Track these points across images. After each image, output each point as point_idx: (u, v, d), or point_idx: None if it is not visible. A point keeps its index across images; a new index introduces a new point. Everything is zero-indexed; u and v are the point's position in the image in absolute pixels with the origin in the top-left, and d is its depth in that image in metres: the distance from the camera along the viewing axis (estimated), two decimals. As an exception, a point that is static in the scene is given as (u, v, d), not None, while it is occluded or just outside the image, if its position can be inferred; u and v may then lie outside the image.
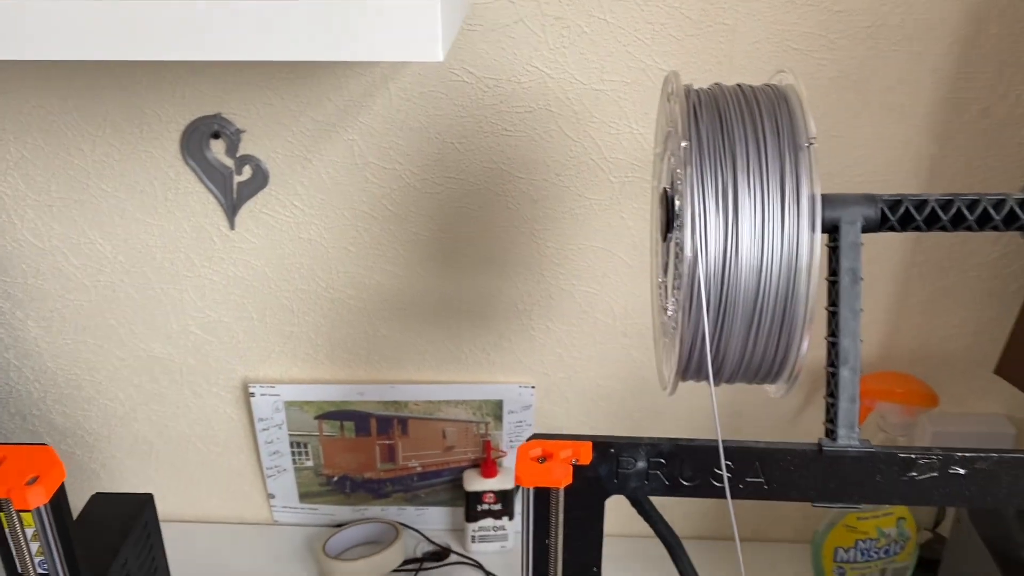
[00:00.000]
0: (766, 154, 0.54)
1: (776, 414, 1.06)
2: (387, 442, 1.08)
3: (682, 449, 0.61)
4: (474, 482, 1.07)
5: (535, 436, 0.62)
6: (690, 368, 0.59)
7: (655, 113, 0.91)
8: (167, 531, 0.91)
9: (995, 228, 0.60)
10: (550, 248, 0.98)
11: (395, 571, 1.06)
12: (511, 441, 1.08)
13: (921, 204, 0.60)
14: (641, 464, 0.63)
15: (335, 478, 1.12)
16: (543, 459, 0.61)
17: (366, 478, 1.11)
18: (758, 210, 0.53)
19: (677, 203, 0.57)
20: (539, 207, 0.97)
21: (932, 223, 0.60)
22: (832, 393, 0.61)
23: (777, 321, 0.55)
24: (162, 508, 0.94)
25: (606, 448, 0.62)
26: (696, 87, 0.61)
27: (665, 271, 0.66)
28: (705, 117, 0.56)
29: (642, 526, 0.67)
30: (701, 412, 1.06)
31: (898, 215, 0.60)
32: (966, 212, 0.60)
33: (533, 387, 1.05)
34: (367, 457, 1.10)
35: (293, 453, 1.10)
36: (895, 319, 0.99)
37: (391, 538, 1.08)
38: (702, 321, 0.55)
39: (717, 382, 0.60)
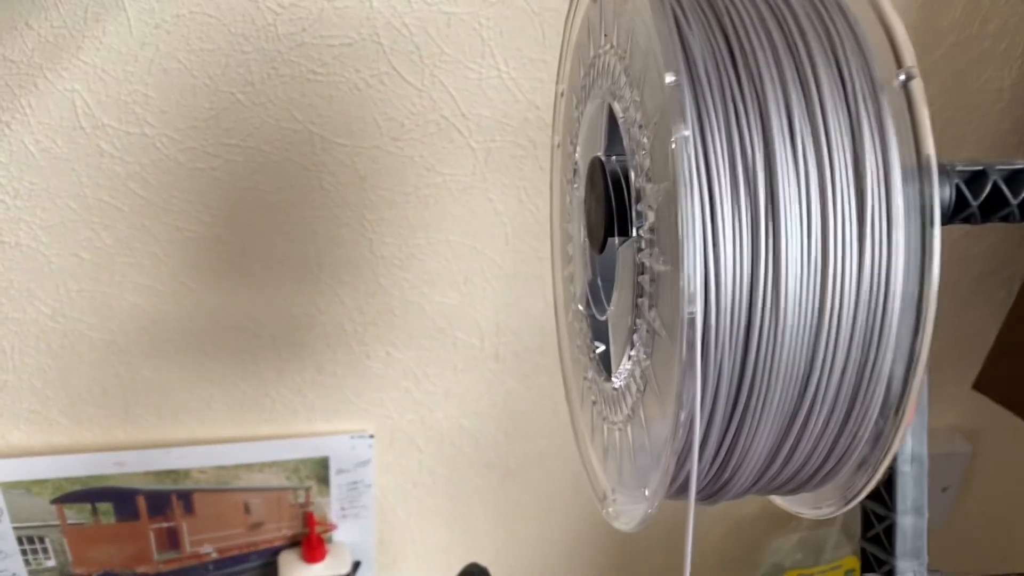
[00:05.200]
0: (820, 100, 0.27)
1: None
2: (165, 525, 0.76)
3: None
4: (293, 569, 0.78)
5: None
6: (674, 485, 0.32)
7: (532, 46, 0.64)
8: None
9: None
10: (388, 245, 0.69)
11: None
12: (343, 509, 0.79)
13: (1014, 176, 0.36)
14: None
15: (92, 579, 0.79)
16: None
17: (139, 574, 0.79)
18: (813, 193, 0.27)
19: (636, 185, 0.30)
20: (370, 187, 0.67)
21: (1035, 209, 0.37)
22: (881, 498, 0.36)
23: (845, 403, 0.29)
24: None
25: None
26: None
27: (593, 300, 0.39)
28: (696, 29, 0.29)
29: None
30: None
31: (982, 196, 0.36)
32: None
33: (371, 436, 0.76)
34: (138, 547, 0.77)
35: (25, 552, 0.76)
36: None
37: (178, 658, 0.76)
38: (695, 421, 0.28)
39: (715, 501, 0.34)
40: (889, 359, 0.28)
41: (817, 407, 0.28)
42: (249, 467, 0.75)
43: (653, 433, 0.30)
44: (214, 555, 0.79)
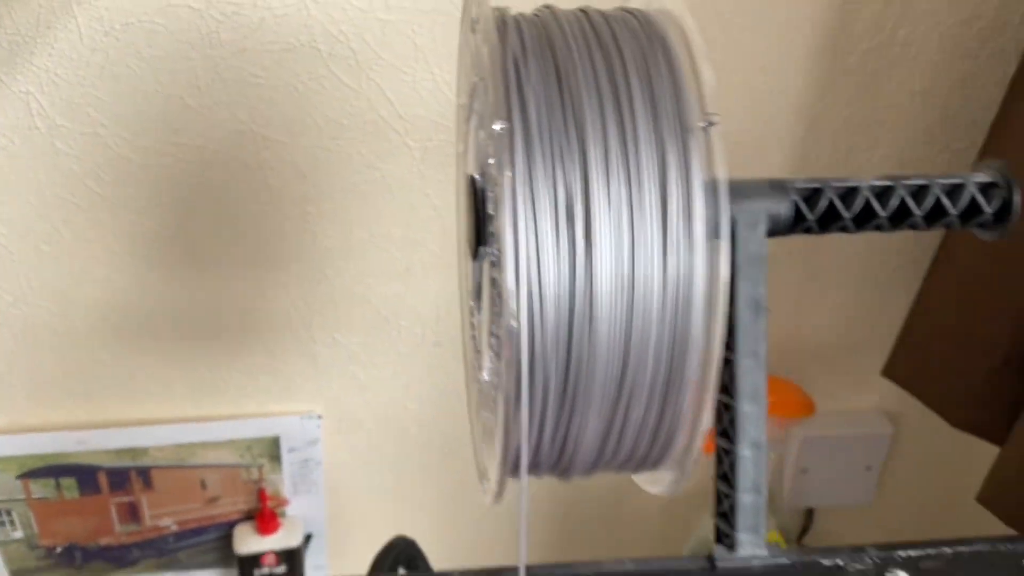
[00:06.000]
0: (635, 139, 0.32)
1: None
2: (126, 499, 0.81)
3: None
4: (248, 541, 0.82)
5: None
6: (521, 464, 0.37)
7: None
8: None
9: (948, 226, 0.42)
10: (331, 238, 0.74)
11: (147, 667, 0.80)
12: (295, 485, 0.83)
13: (849, 193, 0.41)
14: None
15: (58, 549, 0.83)
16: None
17: (103, 545, 0.84)
18: (624, 228, 0.31)
19: (491, 206, 0.34)
20: (312, 183, 0.71)
21: (864, 220, 0.41)
22: (727, 478, 0.41)
23: (659, 391, 0.33)
24: None
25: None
26: (516, 12, 0.37)
27: (477, 298, 0.43)
28: (533, 72, 0.33)
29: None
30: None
31: (818, 211, 0.40)
32: (911, 204, 0.41)
33: (320, 416, 0.81)
34: (100, 520, 0.82)
35: (-7, 524, 0.80)
36: (762, 310, 0.82)
37: (140, 623, 0.81)
38: (522, 407, 0.32)
39: (566, 477, 0.39)
40: (695, 359, 0.32)
41: (635, 400, 0.33)
42: (204, 445, 0.80)
43: (499, 427, 0.34)
44: (173, 528, 0.84)
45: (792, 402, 0.77)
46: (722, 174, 0.31)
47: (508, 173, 0.30)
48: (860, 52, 0.72)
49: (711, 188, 0.31)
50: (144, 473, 0.80)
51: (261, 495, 0.82)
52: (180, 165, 0.69)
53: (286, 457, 0.82)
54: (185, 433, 0.79)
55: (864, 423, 0.88)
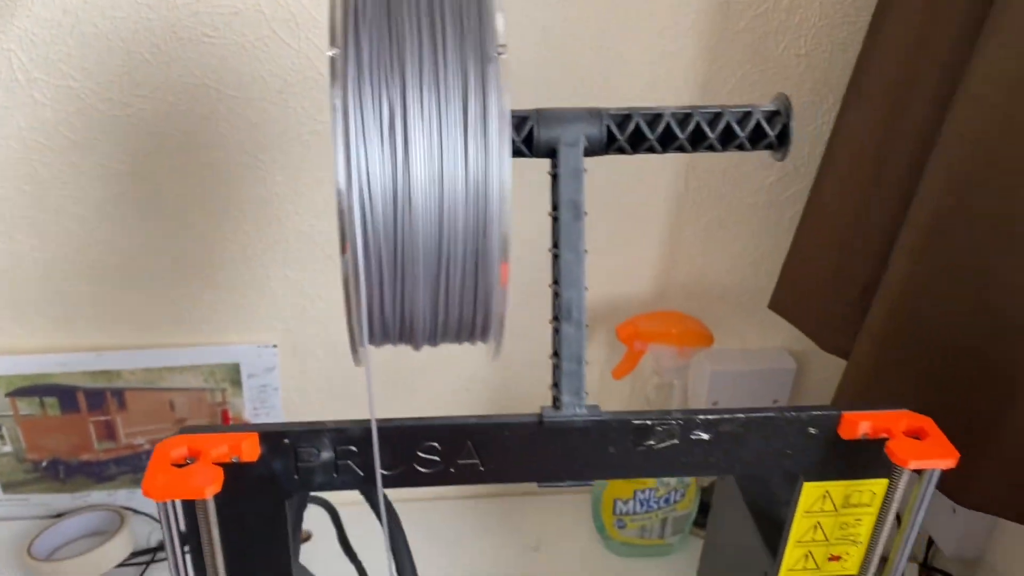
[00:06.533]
0: (445, 66, 0.41)
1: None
2: (103, 418, 0.91)
3: (377, 433, 0.49)
4: (212, 457, 0.92)
5: (184, 430, 0.48)
6: (374, 331, 0.46)
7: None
8: None
9: (740, 147, 0.51)
10: (279, 182, 0.83)
11: (121, 566, 0.90)
12: (256, 408, 0.93)
13: (655, 119, 0.50)
14: (327, 454, 0.50)
15: (44, 463, 0.93)
16: (191, 460, 0.47)
17: (83, 460, 0.94)
18: (435, 136, 0.40)
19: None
20: (261, 132, 0.81)
21: (668, 142, 0.50)
22: (557, 352, 0.50)
23: (470, 267, 0.43)
24: None
25: (278, 439, 0.49)
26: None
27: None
28: (368, 8, 0.42)
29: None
30: (481, 369, 0.95)
31: (627, 133, 0.49)
32: (706, 128, 0.50)
33: (275, 346, 0.90)
34: (80, 437, 0.92)
35: (-15, 438, 0.91)
36: (669, 253, 0.91)
37: (115, 527, 0.91)
38: (360, 276, 0.42)
39: (417, 346, 0.48)
40: (494, 242, 0.41)
41: (452, 273, 0.42)
42: (172, 370, 0.90)
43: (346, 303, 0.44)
44: (146, 446, 0.94)
45: (692, 333, 0.86)
46: (508, 96, 0.40)
47: (336, 91, 0.39)
48: (748, 18, 0.80)
49: (501, 107, 0.40)
50: (118, 394, 0.90)
51: (224, 416, 0.92)
52: (142, 115, 0.78)
53: (246, 382, 0.91)
54: (155, 358, 0.89)
55: (770, 360, 0.96)
